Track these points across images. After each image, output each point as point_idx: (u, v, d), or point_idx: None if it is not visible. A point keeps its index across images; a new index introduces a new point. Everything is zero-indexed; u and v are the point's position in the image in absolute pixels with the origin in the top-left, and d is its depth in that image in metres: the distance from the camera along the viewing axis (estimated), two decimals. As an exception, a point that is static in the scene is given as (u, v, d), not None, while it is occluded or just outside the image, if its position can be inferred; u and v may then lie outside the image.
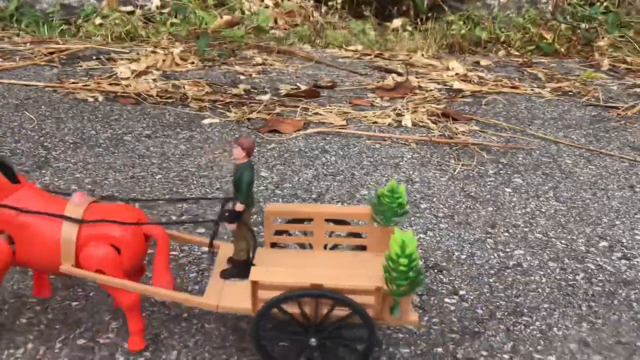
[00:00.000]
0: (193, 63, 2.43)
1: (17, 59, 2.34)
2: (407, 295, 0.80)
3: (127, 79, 2.15)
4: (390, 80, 2.32)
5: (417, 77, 2.36)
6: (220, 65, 2.42)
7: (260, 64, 2.48)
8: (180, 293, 0.90)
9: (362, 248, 0.99)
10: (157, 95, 2.01)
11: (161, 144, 1.65)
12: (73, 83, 2.10)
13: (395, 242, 0.78)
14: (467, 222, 1.32)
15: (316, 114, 1.93)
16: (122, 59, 2.40)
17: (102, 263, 0.84)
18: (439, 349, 0.94)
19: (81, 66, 2.30)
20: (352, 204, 1.37)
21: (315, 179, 1.49)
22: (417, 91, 2.20)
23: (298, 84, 2.24)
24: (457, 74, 2.46)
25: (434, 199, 1.41)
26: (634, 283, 1.13)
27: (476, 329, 0.99)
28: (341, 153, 1.65)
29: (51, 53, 2.40)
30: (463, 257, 1.19)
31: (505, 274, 1.14)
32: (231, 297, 0.86)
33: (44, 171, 1.46)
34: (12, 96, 1.94)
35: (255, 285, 0.80)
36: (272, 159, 1.59)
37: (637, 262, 1.20)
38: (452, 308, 1.04)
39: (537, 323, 1.01)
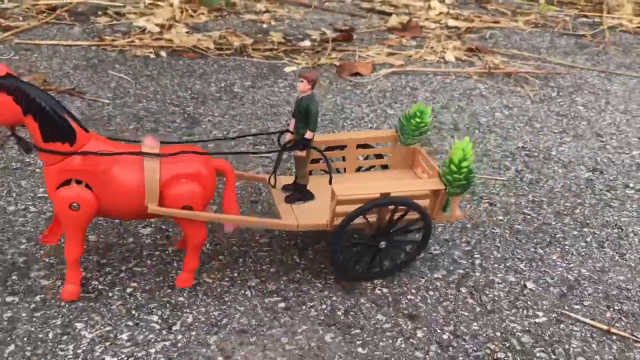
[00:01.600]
0: (204, 14, 2.44)
1: (21, 18, 2.20)
2: (458, 195, 0.95)
3: (160, 33, 2.14)
4: (393, 21, 2.53)
5: (411, 17, 2.59)
6: (230, 15, 2.46)
7: (264, 12, 2.56)
8: (267, 219, 0.99)
9: (384, 167, 1.12)
10: (215, 48, 2.05)
11: (267, 93, 1.74)
12: (114, 40, 2.06)
13: (458, 150, 0.91)
14: (578, 135, 1.63)
15: (367, 55, 2.11)
16: (129, 13, 2.35)
17: (192, 199, 0.87)
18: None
19: (98, 23, 2.23)
20: (465, 132, 1.61)
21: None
22: (424, 30, 2.44)
23: (322, 29, 2.37)
24: (441, 12, 2.73)
25: (537, 120, 1.70)
26: None
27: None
28: (427, 88, 1.86)
29: (43, 12, 2.28)
30: (605, 160, 1.50)
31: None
32: (305, 216, 0.96)
33: (203, 126, 1.52)
34: (69, 57, 1.89)
35: (338, 202, 0.89)
36: (375, 98, 1.76)
37: None
38: None
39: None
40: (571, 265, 1.09)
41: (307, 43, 2.19)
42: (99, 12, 2.33)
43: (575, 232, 1.19)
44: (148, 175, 0.85)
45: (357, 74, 1.93)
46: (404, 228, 0.96)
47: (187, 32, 2.19)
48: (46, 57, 1.87)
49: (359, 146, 1.09)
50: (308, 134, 0.95)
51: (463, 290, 1.01)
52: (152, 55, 1.96)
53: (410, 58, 2.12)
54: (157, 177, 0.85)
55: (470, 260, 1.08)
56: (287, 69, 1.93)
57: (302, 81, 0.93)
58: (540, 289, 1.02)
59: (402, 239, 0.99)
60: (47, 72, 1.76)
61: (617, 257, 1.12)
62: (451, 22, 2.60)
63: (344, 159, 1.10)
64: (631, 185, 1.38)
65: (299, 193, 1.01)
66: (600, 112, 1.78)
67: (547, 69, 2.11)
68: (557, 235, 1.17)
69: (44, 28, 2.13)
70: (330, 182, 0.95)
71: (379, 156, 1.12)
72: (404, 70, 1.99)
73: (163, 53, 1.99)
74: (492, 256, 1.10)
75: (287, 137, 0.98)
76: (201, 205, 0.89)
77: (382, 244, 0.95)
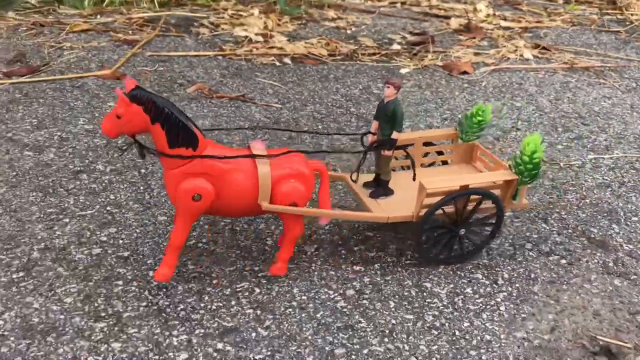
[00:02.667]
0: (286, 22, 2.62)
1: (130, 32, 2.33)
2: (526, 184, 1.05)
3: (266, 41, 2.31)
4: (454, 24, 2.78)
5: (469, 19, 2.85)
6: (308, 23, 2.65)
7: (336, 19, 2.75)
8: (362, 212, 1.08)
9: (444, 163, 1.22)
10: (328, 55, 2.24)
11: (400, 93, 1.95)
12: (232, 49, 2.22)
13: (530, 144, 1.02)
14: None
15: (458, 56, 2.34)
16: (221, 24, 2.50)
17: (299, 196, 0.96)
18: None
19: (203, 34, 2.37)
20: (587, 119, 1.87)
21: (536, 110, 1.96)
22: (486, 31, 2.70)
23: (399, 33, 2.60)
24: (488, 14, 3.00)
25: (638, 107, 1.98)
26: None
27: None
28: (531, 83, 2.11)
29: (144, 25, 2.41)
30: None
31: None
32: (392, 209, 1.06)
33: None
34: (208, 67, 2.04)
35: (427, 194, 0.99)
36: (496, 93, 2.00)
37: None
38: None
39: None
40: None
41: (396, 46, 2.40)
42: (195, 24, 2.47)
43: None
44: (262, 176, 0.93)
45: (465, 72, 2.16)
46: (480, 216, 1.07)
47: (287, 40, 2.36)
48: (187, 67, 2.02)
49: (424, 144, 1.19)
50: (395, 135, 1.04)
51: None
52: (277, 63, 2.13)
53: (500, 56, 2.36)
54: (269, 177, 0.93)
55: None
56: (403, 71, 2.14)
57: (388, 87, 1.01)
58: None
59: (478, 227, 1.09)
60: (202, 81, 1.91)
61: None
62: (503, 23, 2.86)
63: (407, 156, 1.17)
64: None
65: (382, 189, 1.10)
66: (682, 98, 2.07)
67: (616, 63, 2.40)
68: None
69: (159, 40, 2.26)
70: (414, 178, 1.06)
71: (439, 153, 1.22)
72: (500, 68, 2.24)
73: (287, 60, 2.16)
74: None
75: (370, 138, 1.08)
76: (304, 202, 0.97)
77: (462, 231, 1.07)
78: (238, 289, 1.04)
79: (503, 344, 0.97)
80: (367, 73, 2.10)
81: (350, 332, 0.96)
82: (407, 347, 0.94)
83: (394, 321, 0.99)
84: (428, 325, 0.99)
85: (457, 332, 0.98)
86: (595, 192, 1.44)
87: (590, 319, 1.03)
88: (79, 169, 1.38)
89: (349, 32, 2.57)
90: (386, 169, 1.08)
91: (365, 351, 0.93)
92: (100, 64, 1.98)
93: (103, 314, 0.97)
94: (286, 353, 0.91)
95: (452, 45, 2.48)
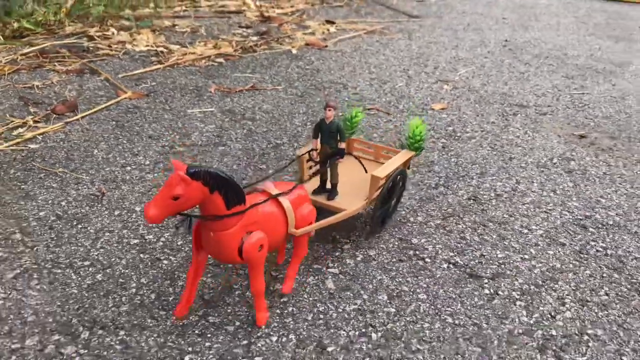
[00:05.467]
0: (148, 35, 3.09)
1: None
2: (416, 156, 1.39)
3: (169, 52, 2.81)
4: (251, 16, 3.62)
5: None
6: (163, 33, 3.17)
7: (174, 25, 3.29)
8: (343, 212, 1.20)
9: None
10: (240, 50, 2.89)
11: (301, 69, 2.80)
12: (162, 63, 2.70)
13: (416, 126, 1.33)
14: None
15: (305, 34, 3.24)
16: (113, 44, 2.84)
17: (314, 215, 1.09)
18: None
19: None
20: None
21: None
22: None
23: (237, 30, 3.32)
24: (260, 5, 3.90)
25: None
26: None
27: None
28: (366, 45, 3.16)
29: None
30: None
31: None
32: (352, 202, 1.24)
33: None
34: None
35: (379, 181, 1.23)
36: (354, 56, 3.01)
37: None
38: None
39: None
40: None
41: (253, 38, 3.16)
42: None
43: None
44: (287, 208, 1.02)
45: (325, 46, 3.09)
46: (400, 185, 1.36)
47: (183, 47, 2.89)
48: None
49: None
50: (342, 145, 1.18)
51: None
52: (223, 61, 2.70)
53: (321, 33, 3.33)
54: (291, 208, 1.03)
55: None
56: (294, 51, 2.95)
57: (330, 110, 1.14)
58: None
59: (396, 194, 1.36)
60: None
61: None
62: (278, 11, 3.81)
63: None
64: None
65: (334, 191, 1.26)
66: None
67: (372, 26, 3.62)
68: None
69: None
70: (366, 171, 1.29)
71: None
72: (339, 40, 3.22)
73: (221, 59, 2.74)
74: None
75: (315, 154, 1.21)
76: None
77: (393, 201, 1.36)
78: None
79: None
80: (258, 62, 2.83)
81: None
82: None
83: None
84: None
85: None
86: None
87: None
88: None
89: (198, 34, 3.14)
90: (335, 174, 1.23)
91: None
92: None
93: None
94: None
95: (283, 31, 3.32)
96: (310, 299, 1.17)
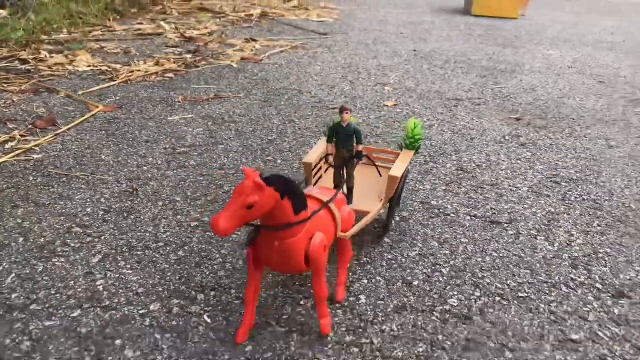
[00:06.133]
0: (87, 57, 3.12)
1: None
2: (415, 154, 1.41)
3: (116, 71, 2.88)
4: (172, 37, 3.73)
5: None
6: (97, 54, 3.20)
7: (103, 47, 3.33)
8: (371, 214, 1.23)
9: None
10: (184, 65, 2.99)
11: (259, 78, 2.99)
12: (122, 78, 2.76)
13: (413, 126, 1.35)
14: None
15: (237, 50, 3.41)
16: (58, 64, 2.85)
17: (352, 219, 1.11)
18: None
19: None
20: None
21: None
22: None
23: (167, 49, 3.42)
24: (176, 28, 4.00)
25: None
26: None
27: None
28: (297, 58, 3.40)
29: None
30: None
31: None
32: (369, 203, 1.28)
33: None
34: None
35: (396, 181, 1.25)
36: (288, 66, 3.24)
37: None
38: None
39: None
40: None
41: (186, 56, 3.28)
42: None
43: None
44: (336, 213, 1.03)
45: (260, 61, 3.27)
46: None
47: (128, 65, 2.95)
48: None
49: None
50: (361, 148, 1.19)
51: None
52: (181, 72, 2.80)
53: (251, 47, 3.51)
54: (338, 212, 1.05)
55: None
56: (234, 65, 3.11)
57: (347, 113, 1.15)
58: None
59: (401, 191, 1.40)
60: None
61: None
62: (189, 32, 3.94)
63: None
64: None
65: (351, 194, 1.26)
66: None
67: (295, 42, 3.86)
68: None
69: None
70: (380, 175, 1.35)
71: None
72: (272, 54, 3.41)
73: (171, 74, 2.83)
74: None
75: (331, 158, 1.22)
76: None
77: (403, 196, 1.52)
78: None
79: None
80: (206, 75, 2.97)
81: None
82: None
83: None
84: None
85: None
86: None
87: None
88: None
89: (132, 54, 3.22)
90: (352, 176, 1.25)
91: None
92: None
93: None
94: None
95: (212, 49, 3.46)
96: (376, 250, 1.34)
